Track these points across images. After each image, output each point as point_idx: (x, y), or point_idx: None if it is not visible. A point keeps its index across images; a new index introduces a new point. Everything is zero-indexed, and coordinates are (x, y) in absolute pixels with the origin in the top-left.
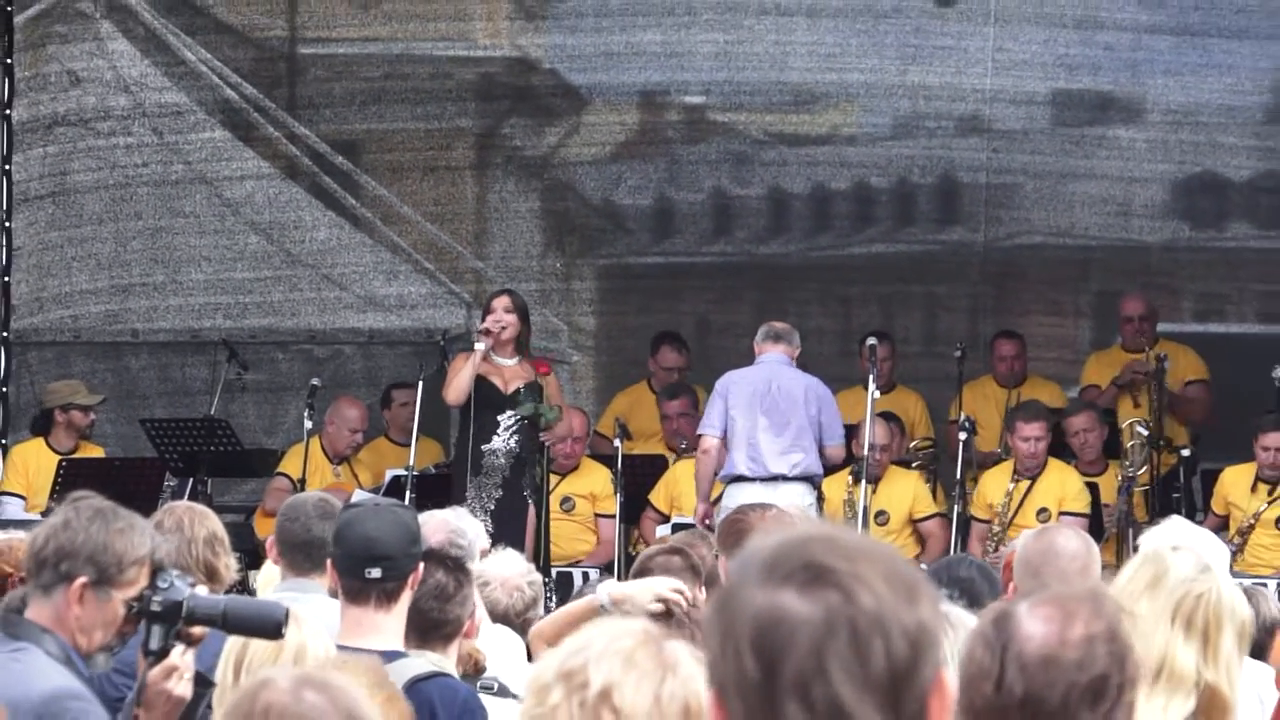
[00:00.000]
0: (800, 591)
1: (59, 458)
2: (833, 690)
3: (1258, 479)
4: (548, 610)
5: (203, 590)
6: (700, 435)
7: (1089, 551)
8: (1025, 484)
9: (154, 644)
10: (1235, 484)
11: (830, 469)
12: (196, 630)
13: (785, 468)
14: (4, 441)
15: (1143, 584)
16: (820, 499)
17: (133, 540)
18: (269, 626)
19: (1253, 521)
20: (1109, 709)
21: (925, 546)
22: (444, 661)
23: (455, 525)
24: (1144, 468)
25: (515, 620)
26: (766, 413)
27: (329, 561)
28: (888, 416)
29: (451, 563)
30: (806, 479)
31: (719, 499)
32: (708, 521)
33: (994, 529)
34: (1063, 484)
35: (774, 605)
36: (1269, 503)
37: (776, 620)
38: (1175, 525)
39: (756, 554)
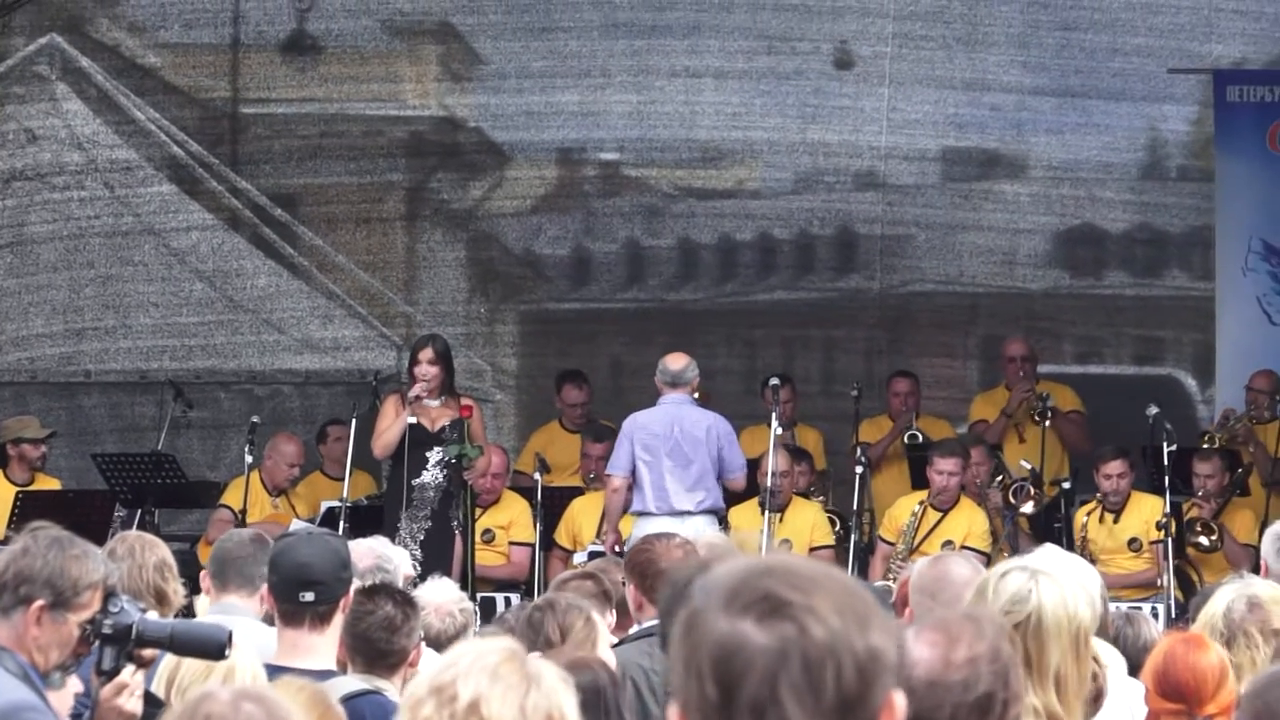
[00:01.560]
0: (758, 622)
1: (16, 489)
2: (785, 717)
3: (1104, 510)
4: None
5: (152, 615)
6: (609, 475)
7: (979, 578)
8: (936, 514)
9: (106, 664)
10: (1089, 523)
11: (734, 497)
12: (146, 652)
13: (690, 505)
14: None
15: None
16: (725, 529)
17: (87, 567)
18: (213, 648)
19: (1084, 536)
20: None
21: None
22: (388, 687)
23: (381, 551)
24: (1029, 503)
25: (446, 644)
26: (670, 454)
27: (265, 587)
28: (798, 452)
29: (400, 596)
30: (710, 512)
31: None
32: (617, 549)
33: (899, 549)
34: (970, 521)
35: (734, 634)
36: (1087, 511)
37: (735, 649)
38: (1046, 552)
39: (720, 582)
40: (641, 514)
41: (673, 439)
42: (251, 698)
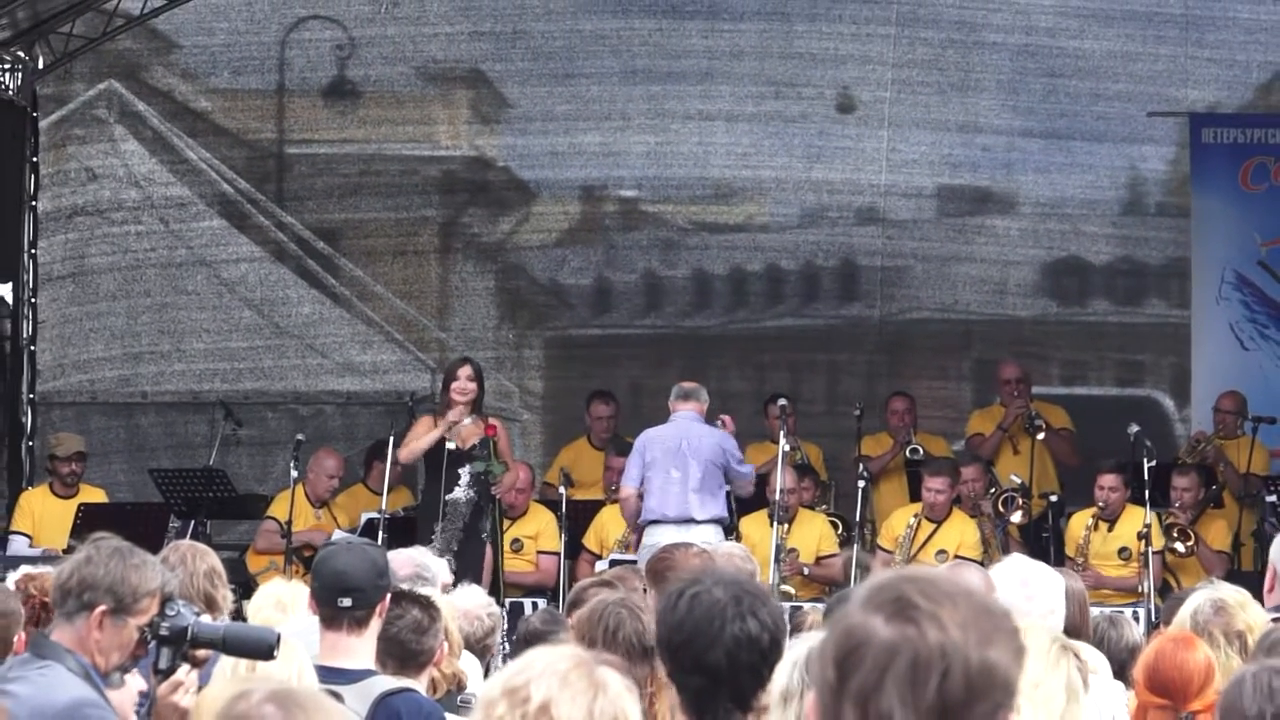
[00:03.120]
0: (886, 619)
1: (60, 501)
2: (885, 707)
3: (1098, 519)
4: (505, 638)
5: (206, 618)
6: (621, 486)
7: (990, 588)
8: (930, 526)
9: (163, 664)
10: (1079, 527)
11: (743, 502)
12: (200, 652)
13: (697, 513)
14: (29, 489)
15: None
16: (738, 538)
17: (146, 574)
18: (262, 649)
19: (1086, 538)
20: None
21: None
22: (416, 685)
23: (420, 560)
24: (1018, 512)
25: (476, 645)
26: (679, 466)
27: (309, 592)
28: (804, 468)
29: (425, 601)
30: (715, 521)
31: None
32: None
33: (896, 558)
34: (962, 532)
35: (860, 626)
36: (1091, 517)
37: (857, 640)
38: (1014, 561)
39: (870, 582)
40: (653, 522)
41: (681, 452)
42: (277, 699)
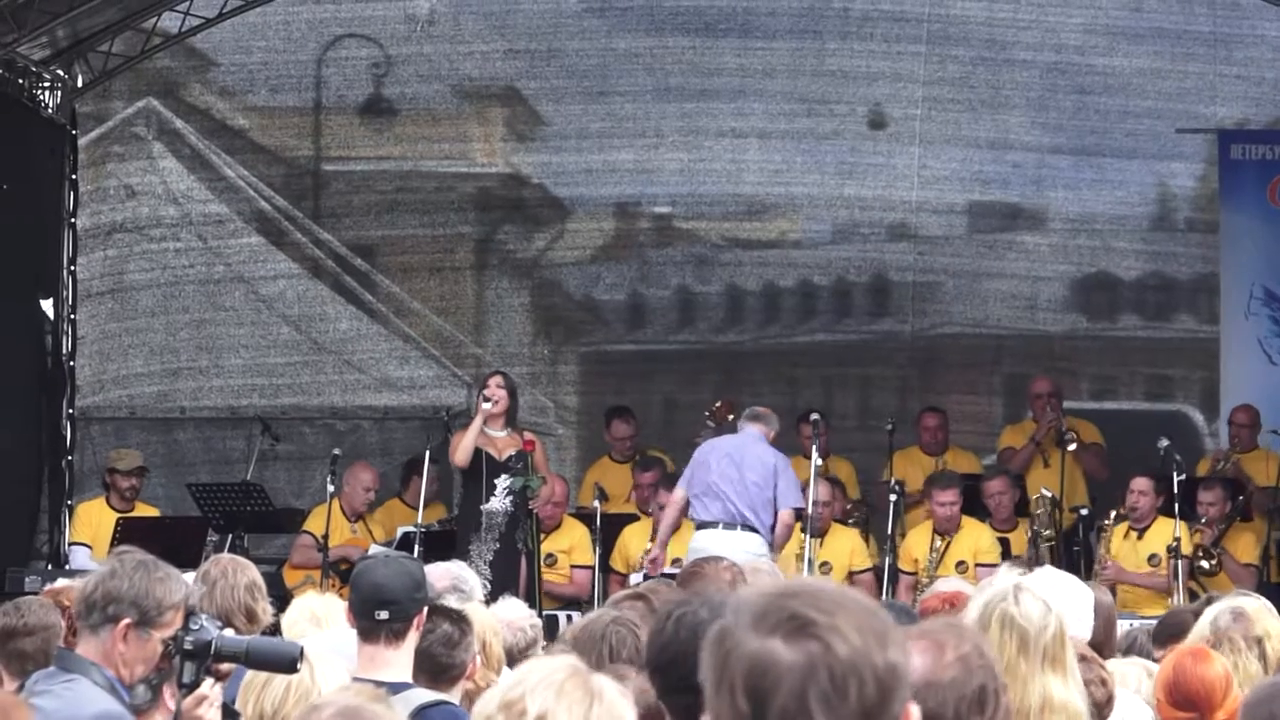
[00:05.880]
0: (786, 640)
1: (116, 515)
2: None
3: (1130, 528)
4: (545, 650)
5: (229, 632)
6: (675, 489)
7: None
8: (944, 540)
9: (187, 677)
10: (1114, 539)
11: (783, 529)
12: (224, 666)
13: (742, 518)
14: (70, 502)
15: (1014, 648)
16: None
17: (170, 588)
18: (285, 662)
19: (1106, 546)
20: (993, 711)
21: None
22: (451, 699)
23: (457, 574)
24: (1049, 528)
25: (518, 656)
26: (726, 470)
27: (347, 605)
28: (833, 481)
29: (456, 615)
30: (755, 531)
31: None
32: (654, 565)
33: (921, 580)
34: (976, 539)
35: (764, 652)
36: (1124, 535)
37: (766, 666)
38: (1044, 573)
39: (748, 604)
40: (701, 525)
41: (735, 462)
42: (348, 714)
